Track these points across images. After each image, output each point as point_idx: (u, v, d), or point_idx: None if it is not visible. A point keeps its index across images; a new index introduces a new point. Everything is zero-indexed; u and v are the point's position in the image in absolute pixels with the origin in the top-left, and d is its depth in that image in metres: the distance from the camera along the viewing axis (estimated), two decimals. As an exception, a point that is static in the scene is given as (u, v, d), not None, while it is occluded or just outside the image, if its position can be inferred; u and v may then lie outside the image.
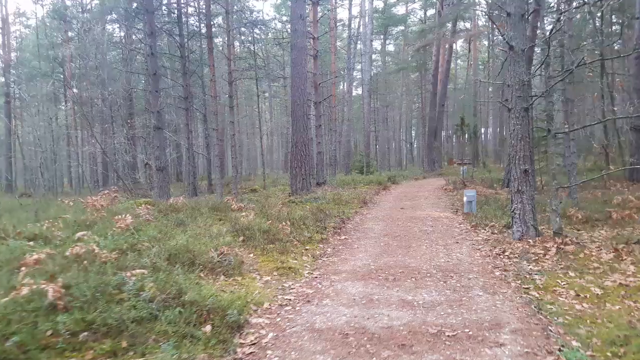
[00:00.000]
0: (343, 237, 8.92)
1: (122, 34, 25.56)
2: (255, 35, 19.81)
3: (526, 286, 5.47)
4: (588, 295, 4.96)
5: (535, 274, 5.94)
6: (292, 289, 5.55)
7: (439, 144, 32.40)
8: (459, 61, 53.44)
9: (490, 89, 46.89)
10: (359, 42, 38.16)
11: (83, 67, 24.67)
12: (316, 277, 6.06)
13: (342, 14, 71.87)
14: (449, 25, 32.73)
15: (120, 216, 7.06)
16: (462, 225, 9.96)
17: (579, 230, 8.46)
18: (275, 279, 5.95)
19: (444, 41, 31.54)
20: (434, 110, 31.35)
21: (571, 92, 12.01)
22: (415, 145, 55.33)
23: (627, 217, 8.91)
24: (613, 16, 16.16)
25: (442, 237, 8.69)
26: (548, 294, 5.15)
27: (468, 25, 38.72)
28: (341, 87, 45.62)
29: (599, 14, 15.43)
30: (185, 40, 17.13)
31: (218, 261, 5.92)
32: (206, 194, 17.05)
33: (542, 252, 7.03)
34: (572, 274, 5.79)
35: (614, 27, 19.47)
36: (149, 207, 10.65)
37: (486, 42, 45.58)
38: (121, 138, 17.22)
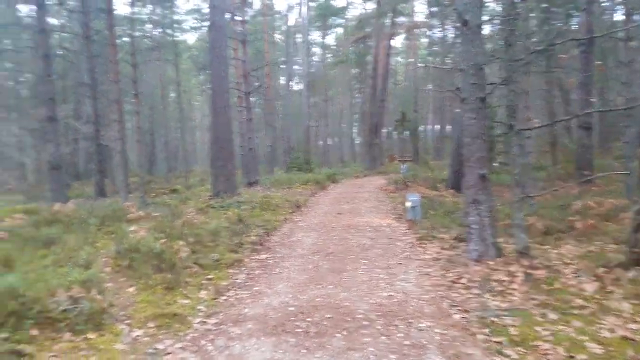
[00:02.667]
0: (263, 257, 7.17)
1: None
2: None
3: (497, 339, 3.98)
4: (587, 358, 3.53)
5: (505, 316, 4.48)
6: (166, 354, 3.75)
7: (379, 141, 31.32)
8: (398, 58, 53.07)
9: (430, 86, 46.85)
10: (297, 34, 36.52)
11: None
12: (209, 329, 4.27)
13: (280, 4, 69.81)
14: (388, 19, 31.68)
15: None
16: (406, 238, 8.49)
17: (542, 245, 7.18)
18: (150, 333, 4.12)
19: (383, 34, 30.47)
20: (374, 105, 30.18)
21: (525, 83, 10.93)
22: (356, 142, 54.45)
23: (591, 227, 7.78)
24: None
25: (383, 255, 7.15)
26: (529, 354, 3.67)
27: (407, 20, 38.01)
28: (281, 81, 43.82)
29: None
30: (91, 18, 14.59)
31: (64, 310, 4.00)
32: (116, 196, 14.71)
33: (507, 278, 5.62)
34: (552, 316, 4.36)
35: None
36: (23, 216, 8.44)
37: (425, 40, 45.47)
38: (14, 130, 14.50)
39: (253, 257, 7.07)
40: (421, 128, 42.04)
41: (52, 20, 19.14)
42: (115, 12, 14.31)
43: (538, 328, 4.10)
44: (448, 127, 43.67)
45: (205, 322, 4.43)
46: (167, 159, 31.31)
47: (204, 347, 3.87)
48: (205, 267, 6.06)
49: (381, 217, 10.86)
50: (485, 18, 8.77)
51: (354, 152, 51.02)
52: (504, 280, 5.56)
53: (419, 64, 38.59)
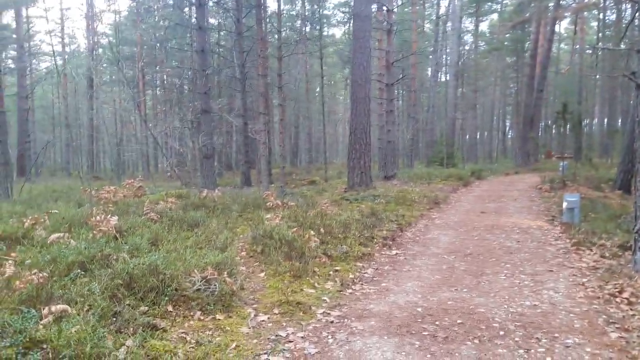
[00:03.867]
0: (394, 252, 6.91)
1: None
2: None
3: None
4: None
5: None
6: (288, 342, 3.74)
7: (535, 135, 28.54)
8: (562, 45, 47.81)
9: (597, 77, 41.25)
10: (448, 22, 34.98)
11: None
12: (332, 321, 4.18)
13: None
14: (552, 1, 28.53)
15: (102, 216, 5.66)
16: (559, 242, 7.50)
17: None
18: (274, 319, 4.18)
19: (545, 18, 27.54)
20: (530, 96, 27.56)
21: None
22: (508, 136, 50.58)
23: None
24: None
25: (530, 260, 6.38)
26: None
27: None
28: (427, 72, 42.51)
29: None
30: (243, 15, 15.66)
31: (197, 290, 4.26)
32: (260, 185, 15.65)
33: (684, 298, 4.60)
34: None
35: None
36: (175, 200, 9.37)
37: (595, 23, 40.18)
38: (176, 122, 16.30)
39: (383, 253, 6.85)
40: (585, 122, 37.30)
41: (211, 20, 21.11)
42: (266, 8, 15.08)
43: None
44: (619, 121, 38.25)
45: (328, 313, 4.36)
46: (309, 150, 32.55)
47: (324, 339, 3.79)
48: (334, 258, 6.02)
49: (531, 218, 9.79)
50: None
51: (505, 147, 47.51)
52: (682, 302, 4.54)
53: (587, 49, 34.22)
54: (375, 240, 7.19)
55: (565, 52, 48.67)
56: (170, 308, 4.03)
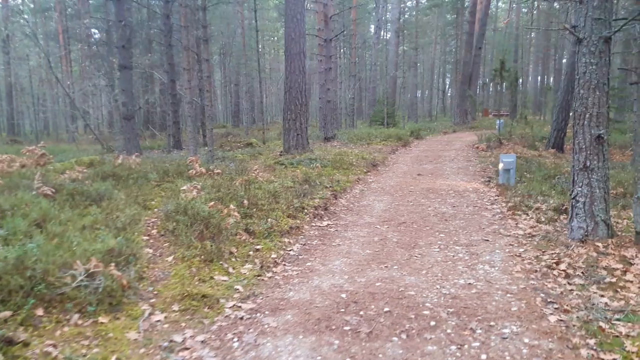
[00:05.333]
0: (325, 224, 6.40)
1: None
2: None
3: (608, 357, 2.90)
4: None
5: (618, 320, 3.36)
6: (183, 349, 3.12)
7: (473, 93, 28.77)
8: (499, 3, 48.25)
9: (532, 34, 42.04)
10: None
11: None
12: (242, 317, 3.60)
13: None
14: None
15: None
16: (495, 206, 7.27)
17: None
18: (172, 319, 3.54)
19: (485, -27, 27.25)
20: (469, 54, 27.52)
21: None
22: (448, 94, 51.17)
23: None
24: None
25: (465, 228, 6.07)
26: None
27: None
28: (371, 29, 41.58)
29: None
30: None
31: (77, 287, 3.52)
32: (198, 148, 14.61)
33: (621, 267, 4.41)
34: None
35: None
36: (85, 169, 8.37)
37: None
38: (101, 80, 14.77)
39: (313, 224, 6.32)
40: (519, 80, 38.05)
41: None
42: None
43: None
44: (551, 79, 39.45)
45: (239, 307, 3.77)
46: (251, 110, 31.35)
47: (228, 343, 3.21)
48: (257, 234, 5.41)
49: (468, 180, 9.59)
50: None
51: (444, 106, 48.09)
52: (616, 269, 4.35)
53: (523, 6, 34.47)
54: (305, 210, 6.63)
55: (503, 11, 49.21)
56: (40, 312, 3.29)
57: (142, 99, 17.20)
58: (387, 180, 9.67)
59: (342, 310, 3.67)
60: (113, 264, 3.70)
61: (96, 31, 24.12)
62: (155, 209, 6.34)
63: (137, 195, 6.52)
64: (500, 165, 8.80)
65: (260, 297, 3.96)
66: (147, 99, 17.17)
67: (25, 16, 33.53)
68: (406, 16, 39.79)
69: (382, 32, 36.58)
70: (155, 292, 3.93)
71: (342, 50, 34.68)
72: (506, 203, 7.30)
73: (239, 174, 8.18)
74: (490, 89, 41.15)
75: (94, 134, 12.43)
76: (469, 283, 4.21)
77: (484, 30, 28.29)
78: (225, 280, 4.22)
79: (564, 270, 4.49)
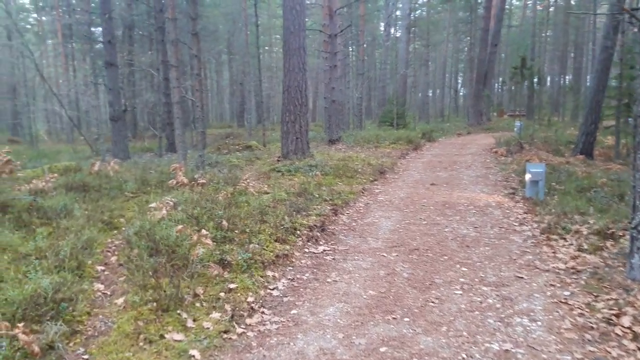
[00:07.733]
0: (321, 249, 5.32)
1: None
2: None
3: None
4: None
5: None
6: None
7: (488, 92, 27.48)
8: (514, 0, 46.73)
9: (549, 32, 40.51)
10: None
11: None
12: (188, 409, 2.54)
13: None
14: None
15: None
16: (525, 227, 6.14)
17: None
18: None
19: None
20: (484, 51, 26.22)
21: None
22: (461, 94, 49.76)
23: None
24: None
25: (492, 258, 4.96)
26: None
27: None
28: (381, 27, 40.34)
29: None
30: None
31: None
32: (190, 151, 13.64)
33: None
34: None
35: None
36: (57, 177, 7.38)
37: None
38: (94, 78, 13.82)
39: (306, 250, 5.23)
40: (535, 78, 36.54)
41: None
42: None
43: None
44: (566, 79, 37.98)
45: (187, 390, 2.71)
46: (256, 110, 30.38)
47: None
48: (234, 267, 4.34)
49: (489, 191, 8.45)
50: None
51: (457, 106, 46.72)
52: None
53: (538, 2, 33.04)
54: (298, 232, 5.55)
55: (517, 8, 47.67)
56: None
57: (143, 98, 16.30)
58: (396, 191, 8.56)
59: (331, 399, 2.60)
60: (23, 323, 2.66)
61: (94, 29, 23.28)
62: (123, 228, 5.33)
63: (103, 212, 5.50)
64: (527, 176, 7.65)
65: (218, 373, 2.90)
66: (147, 98, 16.22)
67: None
68: (417, 13, 38.50)
69: (392, 29, 35.36)
70: (86, 358, 2.89)
71: (350, 49, 33.54)
72: (538, 223, 6.17)
73: (228, 183, 7.13)
74: (503, 89, 39.82)
75: (82, 135, 11.51)
76: (506, 350, 3.12)
77: (500, 27, 27.00)
78: (178, 341, 3.16)
79: (629, 328, 3.39)
